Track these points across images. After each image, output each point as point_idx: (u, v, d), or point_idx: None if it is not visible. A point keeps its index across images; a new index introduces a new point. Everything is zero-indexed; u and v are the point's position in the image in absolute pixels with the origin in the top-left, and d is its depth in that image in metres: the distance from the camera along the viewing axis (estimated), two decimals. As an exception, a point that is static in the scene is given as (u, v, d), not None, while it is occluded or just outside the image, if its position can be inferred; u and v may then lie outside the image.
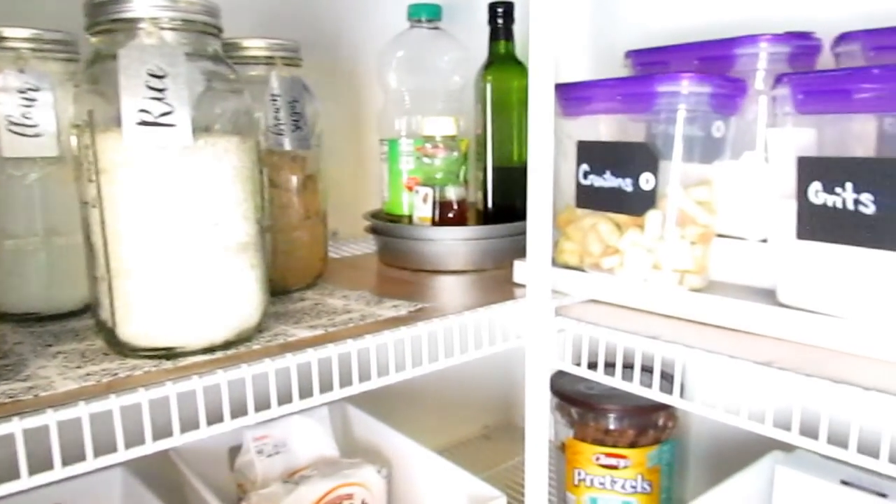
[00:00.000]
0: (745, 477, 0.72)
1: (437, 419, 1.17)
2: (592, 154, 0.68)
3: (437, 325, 0.64)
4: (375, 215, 0.95)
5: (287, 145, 0.72)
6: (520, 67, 0.93)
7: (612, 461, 0.88)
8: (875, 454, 0.48)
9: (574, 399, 0.87)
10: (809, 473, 0.67)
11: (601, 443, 0.87)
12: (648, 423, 0.86)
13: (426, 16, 0.95)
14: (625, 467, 0.87)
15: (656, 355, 0.59)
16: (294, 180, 0.75)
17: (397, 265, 0.89)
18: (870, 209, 0.52)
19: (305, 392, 0.57)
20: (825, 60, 0.66)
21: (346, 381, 0.58)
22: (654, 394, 0.61)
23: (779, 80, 0.58)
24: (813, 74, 0.56)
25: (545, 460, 0.74)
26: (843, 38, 0.63)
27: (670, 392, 0.61)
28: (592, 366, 0.67)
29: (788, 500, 0.68)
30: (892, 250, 0.51)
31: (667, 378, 0.62)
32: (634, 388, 0.62)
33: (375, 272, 0.88)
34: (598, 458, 0.88)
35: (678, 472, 0.93)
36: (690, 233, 0.64)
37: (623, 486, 0.87)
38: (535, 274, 0.69)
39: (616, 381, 0.64)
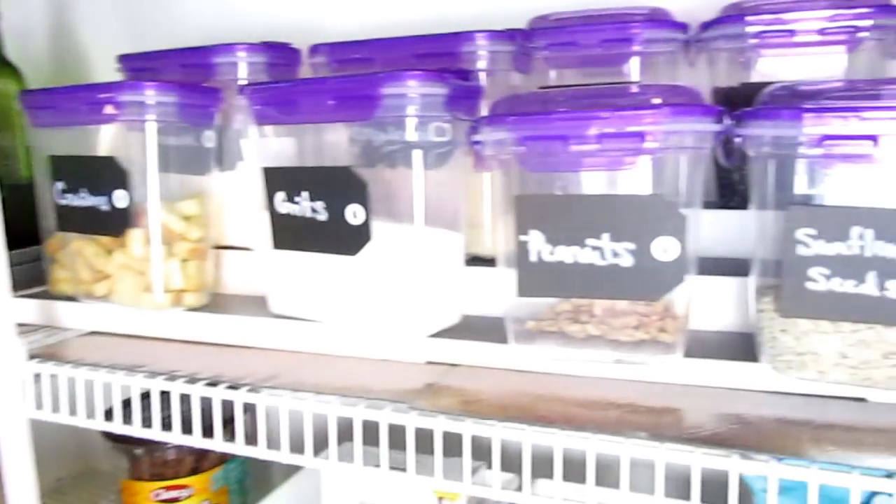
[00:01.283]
0: (299, 479, 0.71)
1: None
2: (66, 170, 0.61)
3: None
4: None
5: None
6: (11, 69, 0.81)
7: (173, 493, 0.82)
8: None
9: (124, 438, 0.79)
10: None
11: (161, 477, 0.81)
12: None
13: None
14: (188, 497, 0.82)
15: (152, 388, 0.55)
16: None
17: None
18: (322, 216, 0.53)
19: None
20: (307, 71, 0.69)
21: None
22: (156, 433, 0.57)
23: (241, 90, 0.57)
24: (265, 86, 0.56)
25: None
26: (315, 49, 0.66)
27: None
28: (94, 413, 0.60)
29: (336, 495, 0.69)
30: (343, 254, 0.53)
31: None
32: (127, 428, 0.57)
33: None
34: (157, 495, 0.81)
35: (257, 484, 0.91)
36: (180, 249, 0.61)
37: (189, 517, 0.81)
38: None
39: (98, 424, 0.58)
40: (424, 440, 0.46)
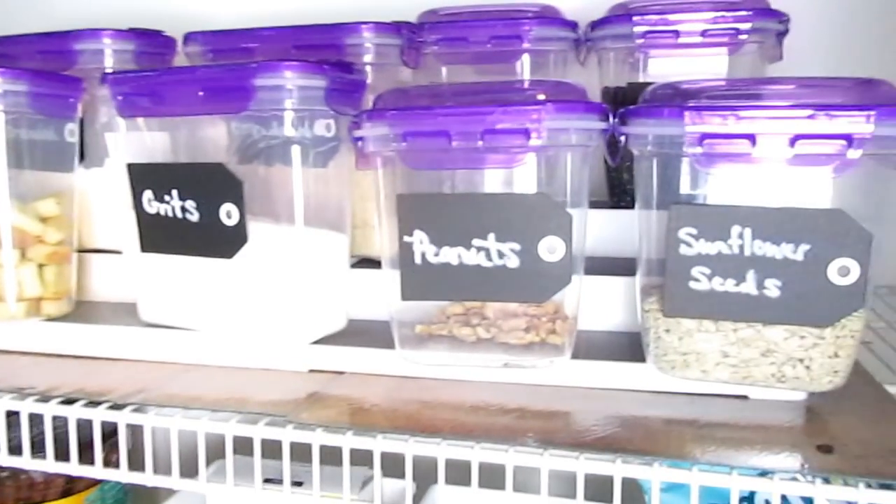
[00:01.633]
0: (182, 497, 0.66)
1: None
2: None
3: None
4: None
5: None
6: None
7: (41, 517, 0.76)
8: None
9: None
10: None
11: (28, 500, 0.74)
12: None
13: None
14: (58, 522, 0.75)
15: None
16: None
17: None
18: (194, 216, 0.50)
19: None
20: (182, 61, 0.64)
21: None
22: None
23: (103, 79, 0.52)
24: (129, 74, 0.52)
25: None
26: (189, 38, 0.62)
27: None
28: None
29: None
30: (217, 257, 0.49)
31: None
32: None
33: None
34: (23, 521, 0.74)
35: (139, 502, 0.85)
36: (37, 253, 0.56)
37: (51, 544, 0.75)
38: None
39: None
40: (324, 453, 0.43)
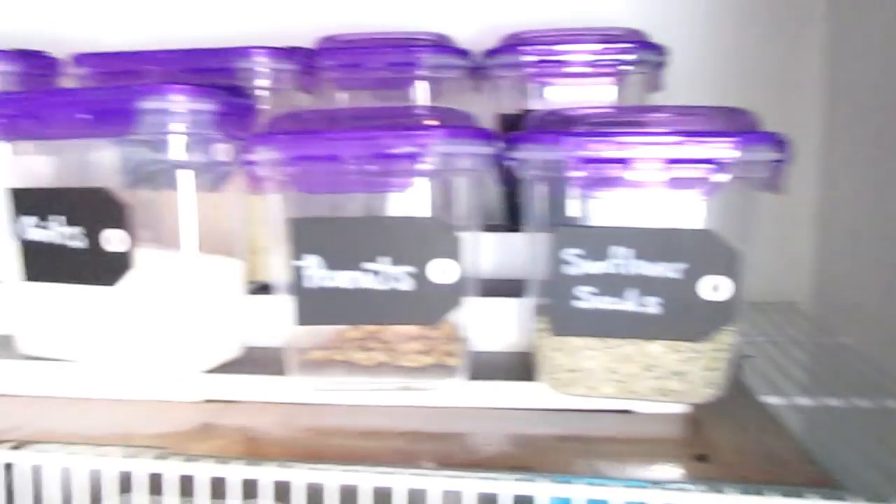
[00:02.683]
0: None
1: None
2: None
3: None
4: None
5: None
6: None
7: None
8: None
9: None
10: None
11: None
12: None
13: None
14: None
15: None
16: None
17: None
18: (78, 242, 0.48)
19: None
20: (69, 83, 0.62)
21: None
22: None
23: (-24, 101, 0.50)
24: (8, 95, 0.50)
25: None
26: (78, 60, 0.60)
27: None
28: None
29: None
30: (102, 285, 0.48)
31: None
32: None
33: None
34: None
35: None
36: None
37: None
38: None
39: None
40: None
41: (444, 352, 0.47)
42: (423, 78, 0.60)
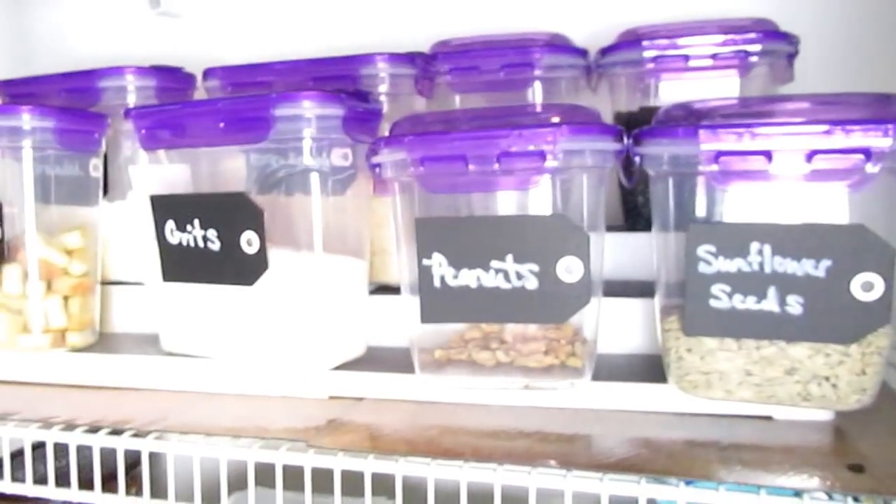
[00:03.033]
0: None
1: None
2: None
3: None
4: None
5: None
6: None
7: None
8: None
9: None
10: None
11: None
12: None
13: None
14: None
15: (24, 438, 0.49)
16: None
17: None
18: (215, 245, 0.50)
19: None
20: (201, 96, 0.66)
21: None
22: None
23: (126, 114, 0.53)
24: (152, 108, 0.53)
25: None
26: (208, 73, 0.63)
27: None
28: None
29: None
30: (238, 285, 0.50)
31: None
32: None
33: None
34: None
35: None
36: (62, 285, 0.56)
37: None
38: None
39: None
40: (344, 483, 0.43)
41: (567, 352, 0.47)
42: (539, 78, 0.60)
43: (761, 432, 0.43)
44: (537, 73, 0.59)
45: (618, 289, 0.53)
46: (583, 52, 0.60)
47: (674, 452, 0.41)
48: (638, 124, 0.58)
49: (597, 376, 0.47)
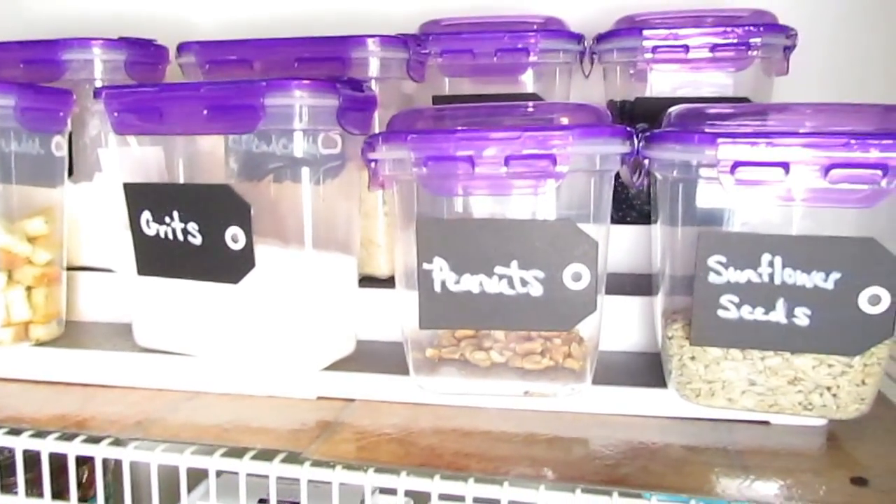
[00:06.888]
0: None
1: None
2: None
3: None
4: None
5: None
6: None
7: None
8: None
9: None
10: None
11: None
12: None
13: None
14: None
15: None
16: None
17: None
18: (197, 239, 0.47)
19: None
20: (175, 71, 0.61)
21: None
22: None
23: (97, 94, 0.49)
24: (127, 90, 0.49)
25: None
26: (183, 48, 0.59)
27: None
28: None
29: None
30: (220, 281, 0.47)
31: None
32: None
33: None
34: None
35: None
36: (25, 276, 0.53)
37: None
38: None
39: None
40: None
41: (564, 353, 0.46)
42: (533, 64, 0.58)
43: (758, 438, 0.43)
44: (532, 58, 0.57)
45: (611, 282, 0.52)
46: (578, 38, 0.59)
47: (676, 461, 0.41)
48: (633, 114, 0.57)
49: (595, 378, 0.46)
